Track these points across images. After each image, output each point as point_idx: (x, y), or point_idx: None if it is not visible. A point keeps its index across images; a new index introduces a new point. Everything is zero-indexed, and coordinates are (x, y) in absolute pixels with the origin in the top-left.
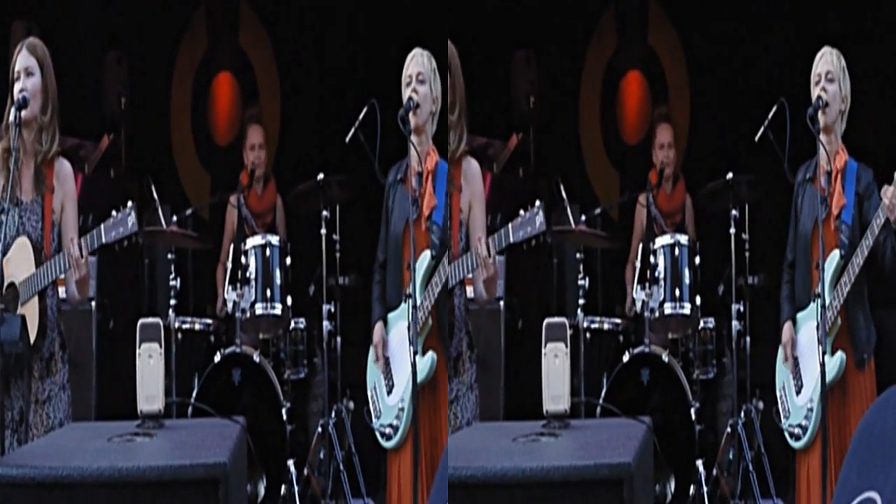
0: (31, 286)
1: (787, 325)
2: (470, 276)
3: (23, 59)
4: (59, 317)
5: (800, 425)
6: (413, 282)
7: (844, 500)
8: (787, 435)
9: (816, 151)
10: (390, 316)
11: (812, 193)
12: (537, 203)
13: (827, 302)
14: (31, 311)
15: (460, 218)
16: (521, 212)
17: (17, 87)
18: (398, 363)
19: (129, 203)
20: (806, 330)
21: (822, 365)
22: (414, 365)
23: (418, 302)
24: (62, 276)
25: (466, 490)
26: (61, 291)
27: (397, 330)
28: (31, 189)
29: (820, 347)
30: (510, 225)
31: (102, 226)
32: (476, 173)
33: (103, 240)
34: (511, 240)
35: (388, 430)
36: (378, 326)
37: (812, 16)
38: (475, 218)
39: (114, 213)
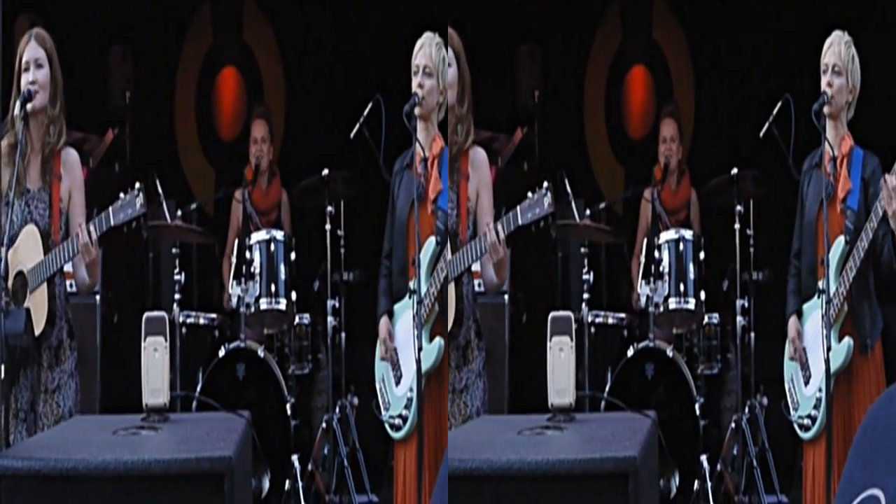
0: (39, 273)
1: (793, 320)
2: (477, 266)
3: (32, 50)
4: (66, 305)
5: (809, 416)
6: (417, 276)
7: (848, 496)
8: (796, 427)
9: (821, 145)
10: (396, 307)
11: (817, 178)
12: (545, 184)
13: (832, 290)
14: (40, 297)
15: (468, 206)
16: (529, 194)
17: (25, 77)
18: (405, 353)
19: (137, 185)
20: (812, 320)
21: (827, 361)
22: (419, 361)
23: (423, 291)
24: (70, 262)
25: (471, 483)
26: (68, 283)
27: (404, 320)
28: (38, 178)
29: (825, 342)
30: (518, 208)
31: (110, 208)
32: (483, 161)
33: (112, 222)
34: (520, 221)
35: (397, 421)
36: (384, 321)
37: (818, 9)
38: (483, 205)
39: (121, 195)
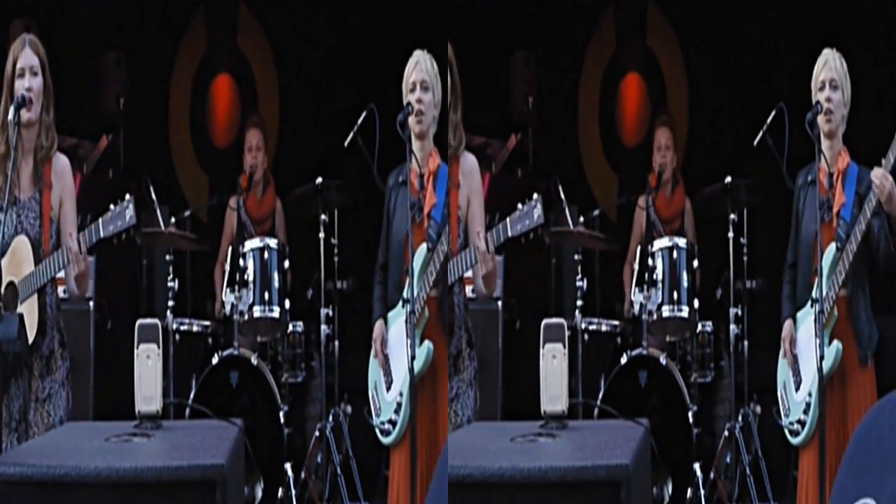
0: (30, 284)
1: (788, 323)
2: (469, 273)
3: (28, 57)
4: (58, 314)
5: (799, 420)
6: (410, 283)
7: None
8: (787, 432)
9: (815, 155)
10: (390, 315)
11: (813, 195)
12: (535, 196)
13: (824, 293)
14: (30, 308)
15: (458, 214)
16: (519, 205)
17: (20, 83)
18: (397, 359)
19: (127, 196)
20: (805, 327)
21: (820, 370)
22: (411, 370)
23: (415, 293)
24: (61, 272)
25: (464, 489)
26: (60, 290)
27: (396, 326)
28: (30, 186)
29: (818, 351)
30: (508, 219)
31: (101, 220)
32: (473, 168)
33: (101, 234)
34: (510, 233)
35: (387, 426)
36: (378, 323)
37: (811, 19)
38: (474, 213)
39: (112, 206)
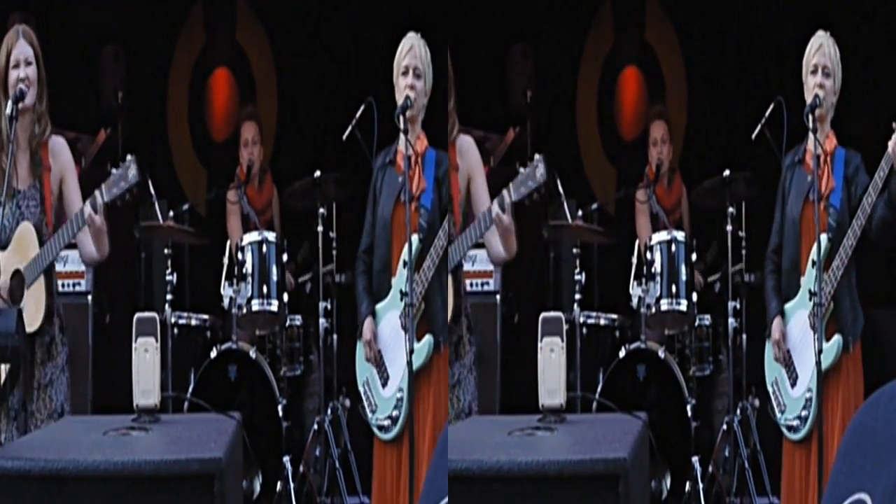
0: (36, 265)
1: (777, 321)
2: (475, 256)
3: (21, 47)
4: (57, 299)
5: (798, 417)
6: (410, 279)
7: (835, 501)
8: (784, 429)
9: (806, 139)
10: (378, 307)
11: (800, 176)
12: (536, 156)
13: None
14: (37, 292)
15: (459, 198)
16: (521, 169)
17: (15, 74)
18: (391, 354)
19: (129, 156)
20: (796, 320)
21: (819, 364)
22: (410, 364)
23: (413, 288)
24: (62, 249)
25: (461, 483)
26: (74, 260)
27: (387, 320)
28: (28, 175)
29: (817, 344)
30: (511, 184)
31: (103, 185)
32: (469, 146)
33: (105, 199)
34: (514, 198)
35: (386, 423)
36: (368, 322)
37: (810, 11)
38: (477, 188)
39: (113, 170)
